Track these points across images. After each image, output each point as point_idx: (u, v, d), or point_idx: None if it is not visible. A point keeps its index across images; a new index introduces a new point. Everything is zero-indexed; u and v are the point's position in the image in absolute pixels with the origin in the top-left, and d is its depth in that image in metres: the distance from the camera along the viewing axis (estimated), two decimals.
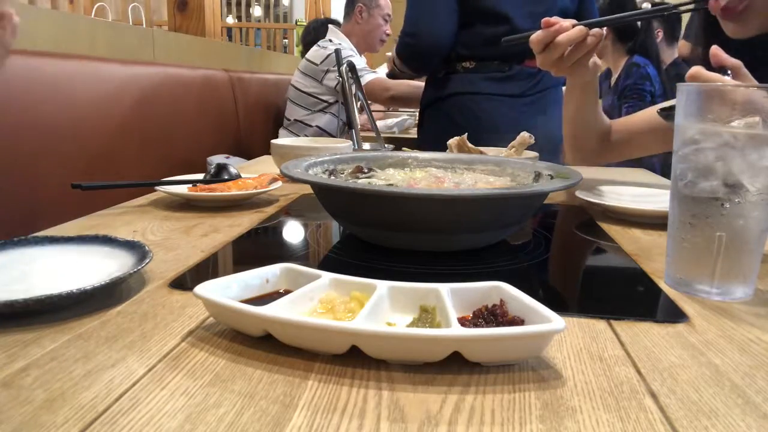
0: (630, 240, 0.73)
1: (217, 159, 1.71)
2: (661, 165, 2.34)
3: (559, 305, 0.49)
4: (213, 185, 0.88)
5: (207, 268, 0.60)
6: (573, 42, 0.90)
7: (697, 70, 0.61)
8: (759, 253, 0.51)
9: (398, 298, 0.45)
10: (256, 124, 2.23)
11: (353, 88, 1.69)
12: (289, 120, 2.30)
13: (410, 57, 1.60)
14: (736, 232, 0.50)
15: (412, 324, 0.43)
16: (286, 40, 6.85)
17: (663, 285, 0.56)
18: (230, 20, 7.99)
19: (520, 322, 0.41)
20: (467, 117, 1.52)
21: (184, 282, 0.54)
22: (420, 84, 1.84)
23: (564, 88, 1.18)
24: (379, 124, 2.63)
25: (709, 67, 0.63)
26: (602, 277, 0.66)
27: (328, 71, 2.22)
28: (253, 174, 0.96)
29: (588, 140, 1.14)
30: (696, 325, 0.47)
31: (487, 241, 0.67)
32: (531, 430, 0.33)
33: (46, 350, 0.40)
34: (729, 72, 0.66)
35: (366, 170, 0.80)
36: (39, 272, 0.53)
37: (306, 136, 2.19)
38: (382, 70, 2.50)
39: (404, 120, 2.87)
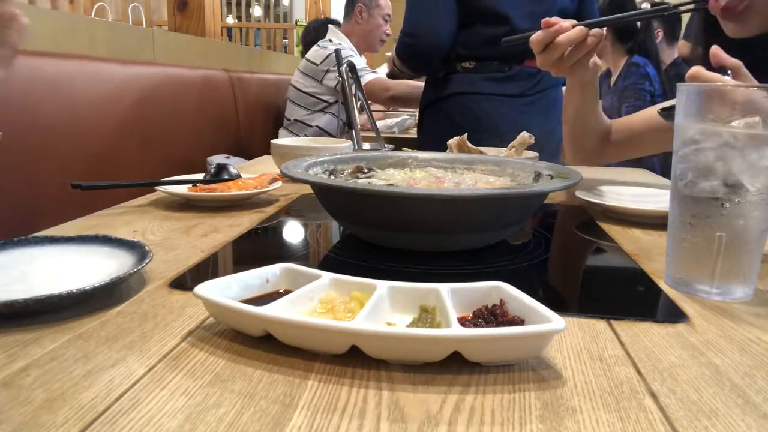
0: (630, 240, 0.73)
1: (217, 159, 1.71)
2: (661, 165, 2.34)
3: (559, 305, 0.49)
4: (213, 185, 0.88)
5: (207, 268, 0.60)
6: (573, 42, 0.90)
7: (697, 70, 0.61)
8: (759, 253, 0.51)
9: (398, 298, 0.45)
10: (256, 124, 2.23)
11: (353, 88, 1.69)
12: (289, 120, 2.30)
13: (410, 57, 1.60)
14: (736, 232, 0.50)
15: (412, 324, 0.43)
16: (286, 40, 6.85)
17: (663, 285, 0.56)
18: (230, 20, 8.00)
19: (520, 322, 0.41)
20: (467, 117, 1.52)
21: (184, 282, 0.54)
22: (420, 84, 1.84)
23: (564, 88, 1.19)
24: (379, 124, 2.64)
25: (709, 67, 0.63)
26: (602, 277, 0.66)
27: (328, 71, 2.22)
28: (253, 174, 0.96)
29: (588, 140, 1.14)
30: (696, 325, 0.47)
31: (487, 241, 0.67)
32: (531, 430, 0.33)
33: (46, 350, 0.40)
34: (729, 72, 0.66)
35: (366, 170, 0.80)
36: (39, 272, 0.53)
37: (306, 136, 2.19)
38: (382, 70, 2.50)
39: (404, 120, 2.87)
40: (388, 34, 2.54)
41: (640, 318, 0.48)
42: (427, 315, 0.44)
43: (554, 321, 0.38)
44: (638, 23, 2.46)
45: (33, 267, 0.54)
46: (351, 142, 1.21)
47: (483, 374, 0.38)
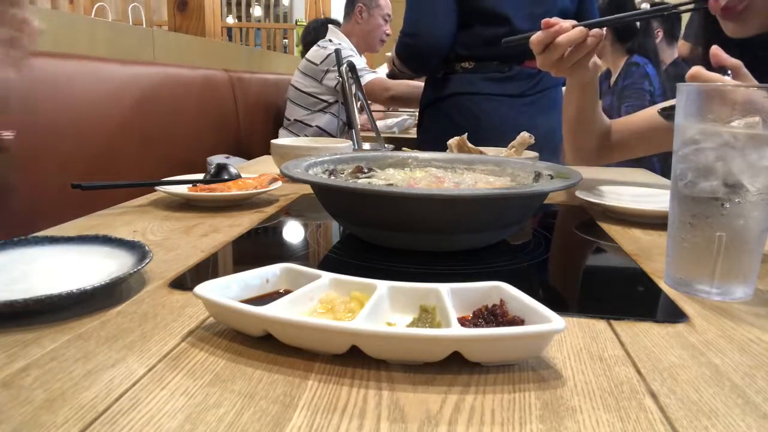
0: (630, 240, 0.73)
1: (217, 159, 1.71)
2: (661, 165, 2.34)
3: (559, 305, 0.49)
4: (213, 185, 0.88)
5: (207, 268, 0.60)
6: (573, 43, 0.90)
7: (697, 70, 0.61)
8: (759, 253, 0.51)
9: (398, 298, 0.45)
10: (256, 124, 2.23)
11: (353, 88, 1.69)
12: (289, 120, 2.30)
13: (409, 57, 1.60)
14: (736, 232, 0.50)
15: (412, 324, 0.43)
16: (286, 40, 6.85)
17: (663, 285, 0.56)
18: (230, 20, 8.00)
19: (520, 322, 0.41)
20: (467, 117, 1.52)
21: (184, 282, 0.54)
22: (420, 84, 1.84)
23: (564, 88, 1.19)
24: (379, 124, 2.64)
25: (709, 67, 0.63)
26: (602, 277, 0.66)
27: (328, 71, 2.22)
28: (253, 174, 0.96)
29: (588, 140, 1.14)
30: (696, 325, 0.47)
31: (487, 241, 0.67)
32: (531, 430, 0.33)
33: (46, 350, 0.40)
34: (729, 72, 0.66)
35: (366, 170, 0.80)
36: (39, 272, 0.53)
37: (306, 136, 2.19)
38: (382, 70, 2.50)
39: (404, 120, 2.87)
40: (388, 34, 2.54)
41: (640, 318, 0.48)
42: (427, 315, 0.44)
43: (554, 321, 0.38)
44: (637, 23, 2.46)
45: (33, 267, 0.54)
46: (351, 142, 1.21)
47: (483, 374, 0.38)
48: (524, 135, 1.10)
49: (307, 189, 0.95)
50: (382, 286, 0.45)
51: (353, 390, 0.36)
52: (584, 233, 0.80)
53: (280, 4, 8.56)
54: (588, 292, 0.61)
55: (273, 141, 1.13)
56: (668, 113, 0.79)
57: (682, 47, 2.86)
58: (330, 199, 0.68)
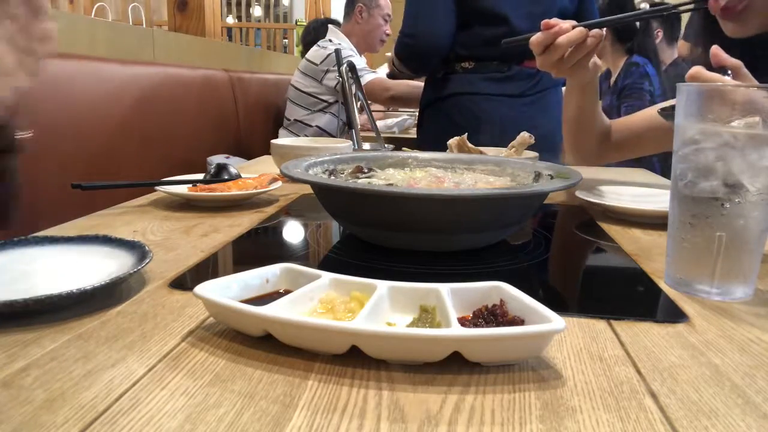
0: (630, 240, 0.73)
1: (217, 159, 1.71)
2: (661, 165, 2.34)
3: (559, 305, 0.49)
4: (213, 185, 0.88)
5: (207, 268, 0.60)
6: (573, 43, 0.90)
7: (697, 70, 0.61)
8: (759, 253, 0.51)
9: (398, 298, 0.45)
10: (256, 124, 2.23)
11: (353, 88, 1.69)
12: (289, 120, 2.30)
13: (409, 57, 1.60)
14: (736, 232, 0.50)
15: (412, 324, 0.43)
16: (286, 40, 6.85)
17: (663, 285, 0.56)
18: (230, 20, 8.00)
19: (520, 322, 0.41)
20: (467, 117, 1.52)
21: (184, 282, 0.54)
22: (420, 84, 1.84)
23: (564, 88, 1.18)
24: (379, 124, 2.64)
25: (709, 67, 0.63)
26: (602, 277, 0.66)
27: (328, 71, 2.22)
28: (253, 174, 0.96)
29: (588, 140, 1.14)
30: (696, 325, 0.47)
31: (487, 241, 0.67)
32: (531, 430, 0.33)
33: (46, 350, 0.40)
34: (729, 72, 0.66)
35: (366, 170, 0.80)
36: (39, 272, 0.53)
37: (306, 136, 2.19)
38: (383, 70, 2.50)
39: (404, 120, 2.87)
40: (388, 34, 2.54)
41: (640, 318, 0.48)
42: (427, 315, 0.44)
43: (554, 321, 0.38)
44: (637, 23, 2.46)
45: (33, 267, 0.54)
46: (351, 142, 1.21)
47: (483, 374, 0.38)
48: (524, 135, 1.10)
49: (307, 189, 0.95)
50: (382, 286, 0.45)
51: (353, 390, 0.36)
52: (584, 233, 0.80)
53: (280, 4, 8.56)
54: (588, 292, 0.61)
55: (273, 141, 1.13)
56: (668, 113, 0.79)
57: (682, 47, 2.86)
58: (330, 199, 0.68)
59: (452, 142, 1.10)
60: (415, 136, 1.85)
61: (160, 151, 1.56)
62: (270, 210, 0.85)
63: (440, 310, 0.43)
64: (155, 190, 0.88)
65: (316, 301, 0.45)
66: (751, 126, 0.48)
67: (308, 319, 0.41)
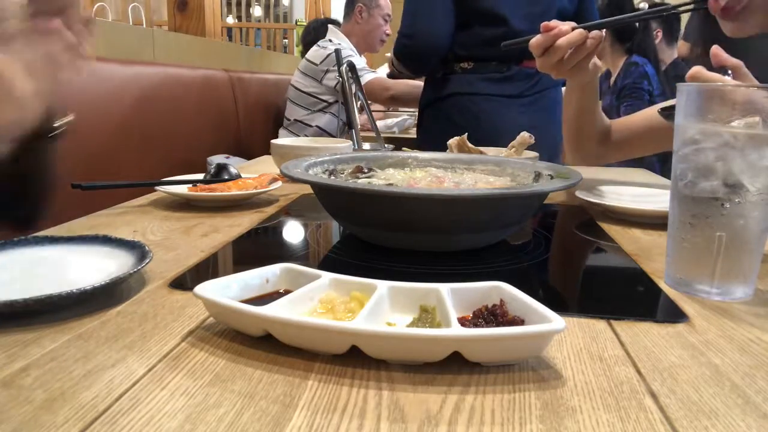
0: (630, 240, 0.73)
1: (217, 159, 1.71)
2: (661, 165, 2.34)
3: (559, 305, 0.49)
4: (213, 185, 0.88)
5: (207, 268, 0.60)
6: (573, 45, 0.90)
7: (697, 70, 0.61)
8: (759, 253, 0.51)
9: (398, 298, 0.45)
10: (256, 124, 2.23)
11: (353, 88, 1.69)
12: (289, 120, 2.30)
13: (407, 57, 1.60)
14: (736, 232, 0.50)
15: (412, 324, 0.43)
16: (286, 40, 6.85)
17: (663, 285, 0.56)
18: (230, 20, 8.00)
19: (520, 322, 0.41)
20: (466, 117, 1.52)
21: (184, 282, 0.54)
22: (420, 84, 1.84)
23: (564, 88, 1.18)
24: (379, 124, 2.64)
25: (709, 67, 0.63)
26: (602, 277, 0.66)
27: (328, 71, 2.22)
28: (253, 174, 0.96)
29: (588, 140, 1.14)
30: (696, 325, 0.47)
31: (487, 241, 0.67)
32: (531, 430, 0.33)
33: (46, 350, 0.40)
34: (729, 72, 0.66)
35: (366, 170, 0.80)
36: (39, 272, 0.53)
37: (306, 136, 2.19)
38: (383, 70, 2.51)
39: (404, 120, 2.87)
40: (387, 34, 2.55)
41: (640, 318, 0.48)
42: (427, 315, 0.44)
43: (554, 321, 0.38)
44: (637, 23, 2.46)
45: (33, 267, 0.54)
46: (351, 142, 1.21)
47: (483, 374, 0.38)
48: (524, 135, 1.10)
49: (307, 189, 0.95)
50: (382, 286, 0.45)
51: (353, 390, 0.36)
52: (584, 233, 0.80)
53: (280, 4, 8.56)
54: (588, 292, 0.61)
55: (273, 141, 1.13)
56: (668, 113, 0.79)
57: (681, 47, 2.86)
58: (330, 199, 0.68)
59: (452, 142, 1.10)
60: (415, 136, 1.85)
61: (160, 151, 1.56)
62: (270, 210, 0.85)
63: (440, 310, 0.43)
64: (155, 190, 0.88)
65: (316, 301, 0.45)
66: (751, 126, 0.48)
67: (308, 319, 0.41)
